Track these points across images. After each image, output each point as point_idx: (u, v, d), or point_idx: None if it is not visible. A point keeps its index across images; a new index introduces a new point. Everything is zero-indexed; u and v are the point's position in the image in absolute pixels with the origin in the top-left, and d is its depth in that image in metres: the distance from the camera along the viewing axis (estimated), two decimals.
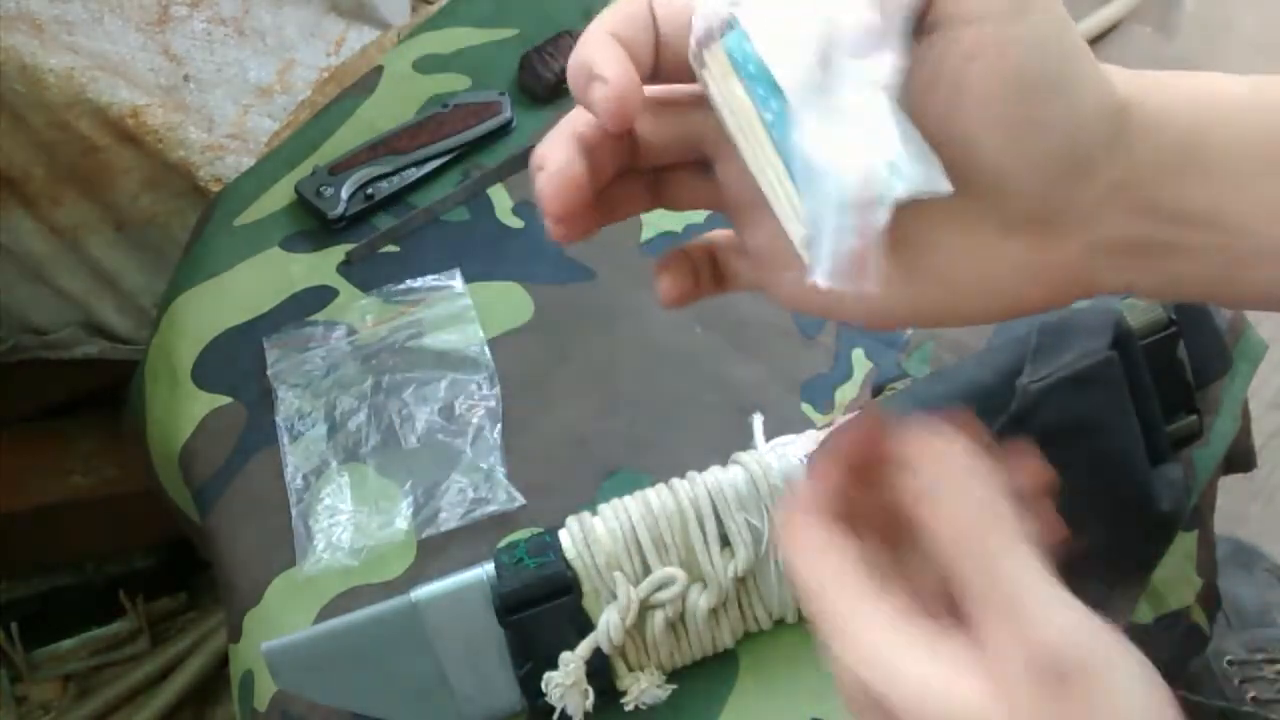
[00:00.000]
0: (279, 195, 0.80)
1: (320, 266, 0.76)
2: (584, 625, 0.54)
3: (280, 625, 0.61)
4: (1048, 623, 0.31)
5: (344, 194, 0.78)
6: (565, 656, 0.53)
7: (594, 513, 0.56)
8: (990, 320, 0.38)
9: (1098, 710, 0.30)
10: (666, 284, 0.41)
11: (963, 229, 0.35)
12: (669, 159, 0.39)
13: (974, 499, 0.33)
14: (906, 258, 0.36)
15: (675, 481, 0.56)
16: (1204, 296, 0.37)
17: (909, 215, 0.32)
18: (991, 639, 0.31)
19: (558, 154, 0.36)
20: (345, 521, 0.65)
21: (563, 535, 0.55)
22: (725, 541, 0.54)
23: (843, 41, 0.31)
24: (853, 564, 0.34)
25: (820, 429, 0.61)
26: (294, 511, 0.65)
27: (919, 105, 0.32)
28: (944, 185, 0.32)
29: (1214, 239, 0.35)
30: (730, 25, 0.33)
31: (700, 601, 0.54)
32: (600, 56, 0.35)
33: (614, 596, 0.53)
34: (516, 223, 0.78)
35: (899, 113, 0.31)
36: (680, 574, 0.54)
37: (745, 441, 0.58)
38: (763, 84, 0.33)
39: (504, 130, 0.81)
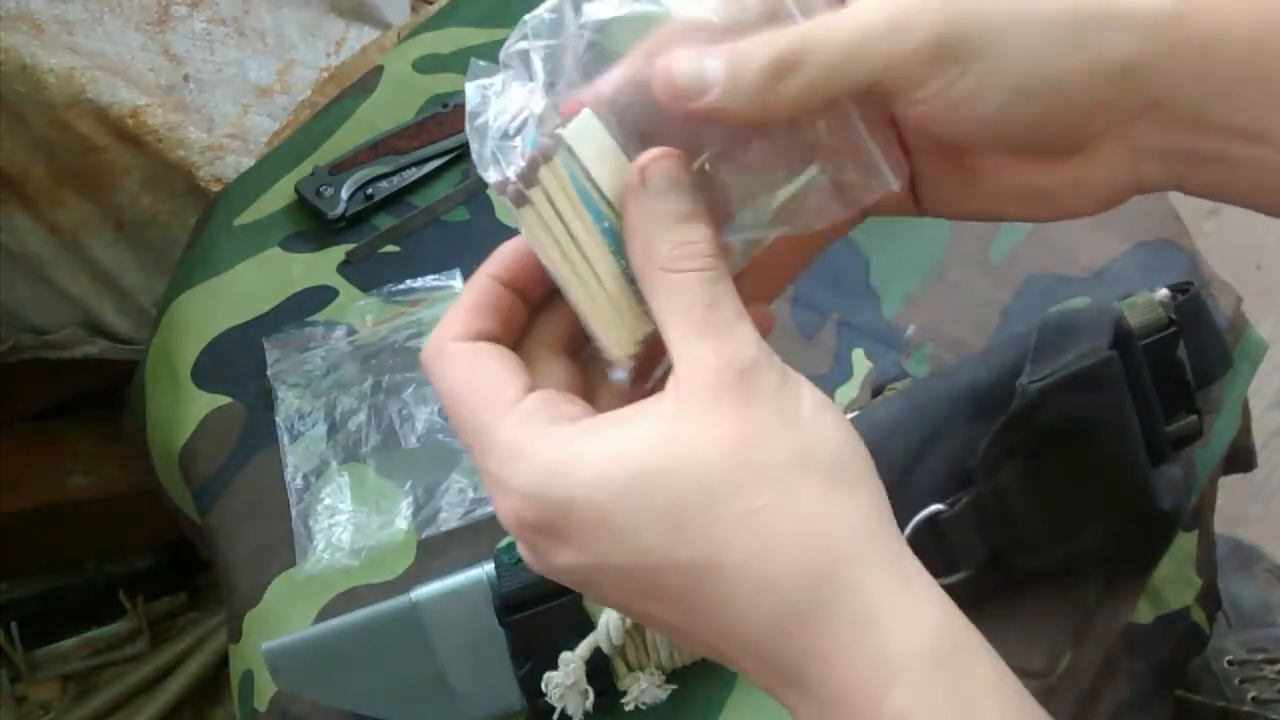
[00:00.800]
0: (279, 195, 0.80)
1: (320, 266, 0.76)
2: (584, 625, 0.54)
3: (280, 625, 0.61)
4: (735, 327, 0.32)
5: (344, 194, 0.78)
6: (565, 656, 0.53)
7: None
8: (1056, 219, 0.39)
9: (780, 408, 0.31)
10: None
11: (1003, 162, 0.37)
12: None
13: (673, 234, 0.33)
14: (962, 178, 0.37)
15: None
16: (1249, 205, 0.37)
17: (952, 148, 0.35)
18: (683, 357, 0.32)
19: None
20: (345, 521, 0.65)
21: None
22: None
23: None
24: (496, 378, 0.33)
25: None
26: (294, 511, 0.65)
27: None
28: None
29: (1261, 153, 0.34)
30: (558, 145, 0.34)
31: None
32: None
33: None
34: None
35: None
36: None
37: None
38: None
39: None
